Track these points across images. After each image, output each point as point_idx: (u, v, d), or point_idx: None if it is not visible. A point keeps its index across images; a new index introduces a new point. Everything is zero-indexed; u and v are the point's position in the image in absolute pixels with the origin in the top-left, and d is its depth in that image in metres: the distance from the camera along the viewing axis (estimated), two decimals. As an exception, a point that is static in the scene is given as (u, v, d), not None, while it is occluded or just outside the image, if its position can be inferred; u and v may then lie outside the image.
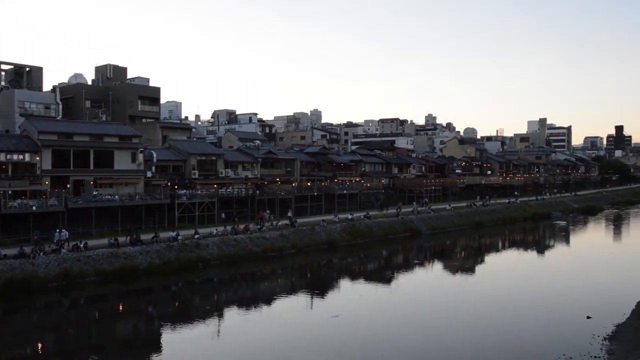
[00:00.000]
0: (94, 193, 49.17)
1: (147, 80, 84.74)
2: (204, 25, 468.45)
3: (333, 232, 55.92)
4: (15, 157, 47.18)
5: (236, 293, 40.53)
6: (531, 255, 59.08)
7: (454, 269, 49.99)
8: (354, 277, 45.96)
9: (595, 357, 23.46)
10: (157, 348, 27.56)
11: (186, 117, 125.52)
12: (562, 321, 30.55)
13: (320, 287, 41.63)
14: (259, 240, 48.96)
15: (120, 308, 36.07)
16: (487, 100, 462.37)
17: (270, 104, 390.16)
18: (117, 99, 74.71)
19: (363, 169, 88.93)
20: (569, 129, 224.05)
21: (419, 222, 67.02)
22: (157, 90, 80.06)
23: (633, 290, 35.22)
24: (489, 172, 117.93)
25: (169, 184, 56.25)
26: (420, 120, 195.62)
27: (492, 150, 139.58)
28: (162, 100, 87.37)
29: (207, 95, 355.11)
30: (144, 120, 74.58)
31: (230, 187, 61.77)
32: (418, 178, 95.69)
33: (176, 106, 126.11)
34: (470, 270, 50.06)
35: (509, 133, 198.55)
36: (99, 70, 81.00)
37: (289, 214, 58.98)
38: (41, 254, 37.53)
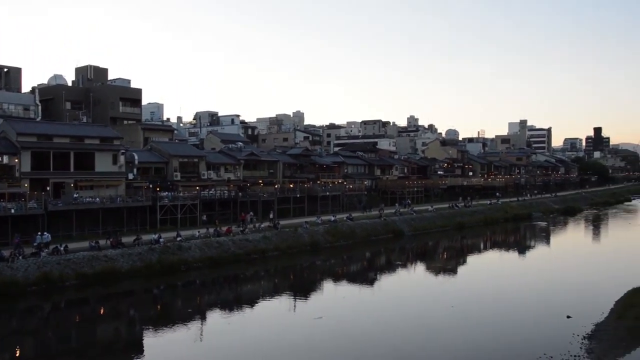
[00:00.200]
0: (75, 195, 48.64)
1: (129, 81, 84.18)
2: (185, 27, 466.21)
3: (316, 233, 55.93)
4: (-7, 159, 46.48)
5: (219, 295, 40.37)
6: (512, 255, 59.66)
7: (436, 269, 50.28)
8: (337, 278, 46.01)
9: (575, 356, 23.74)
10: (139, 351, 27.34)
11: (168, 119, 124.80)
12: (543, 321, 30.86)
13: (303, 288, 41.62)
14: (241, 243, 48.79)
15: (102, 311, 35.71)
16: (468, 102, 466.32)
17: (252, 105, 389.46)
18: (98, 101, 74.02)
19: (346, 170, 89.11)
20: (549, 130, 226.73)
21: (401, 224, 67.31)
22: (138, 91, 79.48)
23: (611, 289, 35.70)
24: (470, 173, 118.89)
25: (150, 186, 55.81)
26: (403, 122, 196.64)
27: (474, 152, 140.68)
28: (144, 101, 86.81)
29: (189, 97, 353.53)
30: (125, 122, 74.04)
31: (213, 189, 61.53)
32: (400, 179, 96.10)
33: (158, 108, 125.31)
34: (452, 271, 50.39)
35: (490, 134, 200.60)
36: (79, 71, 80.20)
37: (271, 216, 58.91)
38: (20, 257, 37.00)
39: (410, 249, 62.22)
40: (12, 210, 42.96)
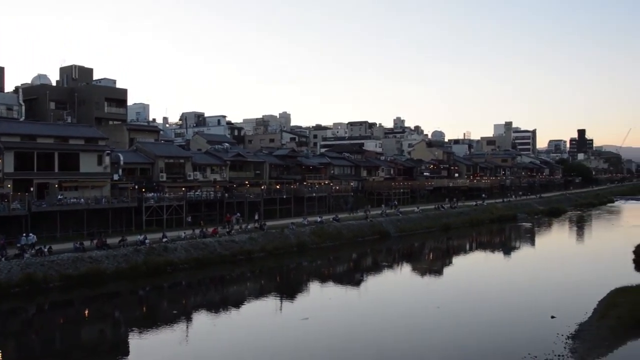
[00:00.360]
0: (59, 197, 48.21)
1: (114, 82, 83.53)
2: (172, 29, 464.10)
3: (302, 234, 55.91)
4: (-24, 159, 45.93)
5: (205, 297, 40.21)
6: (497, 256, 60.07)
7: (422, 270, 50.46)
8: (323, 279, 46.05)
9: (559, 355, 23.98)
10: (125, 353, 27.17)
11: (154, 120, 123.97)
12: (528, 321, 31.15)
13: (289, 290, 41.60)
14: (227, 244, 48.63)
15: (86, 313, 35.40)
16: (454, 104, 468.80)
17: (239, 106, 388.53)
18: (82, 101, 73.38)
19: (332, 171, 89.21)
20: (533, 132, 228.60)
21: (388, 225, 67.50)
22: (124, 92, 78.92)
23: (595, 289, 36.08)
24: (456, 174, 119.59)
25: (136, 187, 55.48)
26: (389, 124, 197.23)
27: (460, 153, 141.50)
28: (129, 102, 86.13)
29: (175, 97, 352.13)
30: (110, 123, 73.46)
31: (199, 190, 61.30)
32: (387, 181, 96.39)
33: (144, 108, 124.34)
34: (438, 271, 50.61)
35: (475, 136, 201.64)
36: (64, 71, 79.46)
37: (256, 217, 58.69)
38: (3, 259, 36.59)
39: (396, 250, 62.42)
40: (-5, 211, 42.51)
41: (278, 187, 71.76)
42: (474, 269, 52.66)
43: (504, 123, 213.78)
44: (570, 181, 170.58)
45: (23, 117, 63.01)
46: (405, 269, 52.34)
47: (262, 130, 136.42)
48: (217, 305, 36.72)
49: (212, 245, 47.36)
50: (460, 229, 76.68)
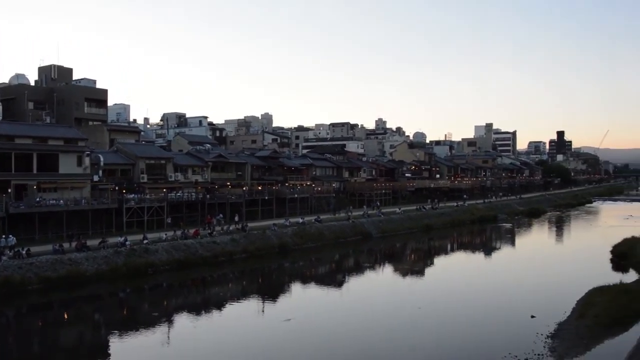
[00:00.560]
0: (38, 198, 47.58)
1: (94, 82, 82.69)
2: (153, 31, 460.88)
3: (284, 236, 55.86)
4: (-48, 160, 45.16)
5: (186, 298, 39.98)
6: (478, 257, 60.59)
7: (404, 271, 50.69)
8: (305, 280, 46.06)
9: (538, 354, 24.26)
10: (105, 356, 26.94)
11: (134, 120, 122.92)
12: (508, 321, 31.50)
13: (271, 291, 41.54)
14: (209, 245, 48.41)
15: (66, 316, 34.99)
16: (435, 105, 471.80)
17: (220, 107, 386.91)
18: (62, 101, 72.53)
19: (314, 172, 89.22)
20: (514, 133, 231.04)
21: (370, 226, 67.71)
22: (104, 92, 78.11)
23: (574, 289, 36.54)
24: (437, 175, 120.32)
25: (116, 188, 54.99)
26: (371, 125, 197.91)
27: (441, 155, 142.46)
28: (110, 102, 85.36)
29: (156, 98, 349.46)
30: (90, 123, 72.71)
31: (180, 191, 60.92)
32: (369, 182, 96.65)
33: (124, 109, 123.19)
34: (420, 272, 50.86)
35: (457, 137, 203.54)
36: (43, 70, 78.42)
37: (236, 219, 58.38)
38: (-20, 261, 36.02)
39: (378, 251, 62.64)
40: (-28, 213, 41.84)
41: (260, 188, 71.60)
42: (455, 269, 53.02)
43: (484, 124, 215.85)
44: (550, 182, 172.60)
45: (0, 118, 62.07)
46: (387, 270, 52.55)
47: (244, 131, 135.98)
48: (198, 307, 36.52)
49: (194, 247, 47.10)
50: (442, 230, 77.18)
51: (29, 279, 36.07)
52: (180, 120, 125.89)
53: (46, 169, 50.41)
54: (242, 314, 34.48)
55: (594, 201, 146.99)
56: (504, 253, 62.86)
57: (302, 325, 31.06)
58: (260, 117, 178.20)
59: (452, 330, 29.95)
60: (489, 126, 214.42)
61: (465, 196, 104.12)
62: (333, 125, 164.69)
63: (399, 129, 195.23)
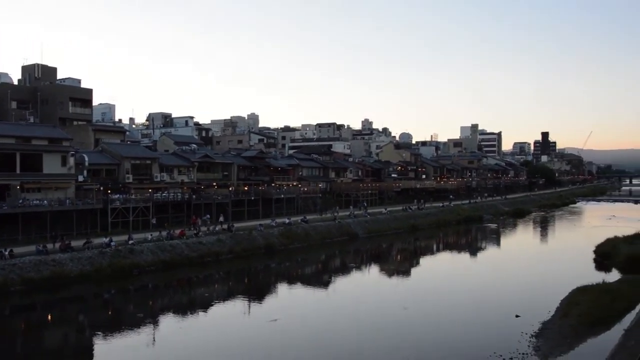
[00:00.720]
0: (21, 199, 47.08)
1: (79, 81, 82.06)
2: (139, 32, 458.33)
3: (271, 236, 55.79)
4: None
5: (172, 299, 39.77)
6: (463, 256, 60.94)
7: (390, 271, 50.88)
8: (291, 281, 46.04)
9: (523, 354, 24.47)
10: (89, 358, 26.71)
11: (120, 120, 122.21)
12: (493, 320, 31.74)
13: (258, 291, 41.50)
14: (195, 246, 48.22)
15: (49, 318, 34.66)
16: (422, 106, 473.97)
17: (206, 107, 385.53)
18: (46, 100, 71.81)
19: (300, 173, 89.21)
20: (499, 134, 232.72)
21: (356, 226, 67.84)
22: (89, 91, 77.47)
23: (558, 288, 36.85)
24: (423, 176, 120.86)
25: (101, 188, 54.56)
26: (357, 125, 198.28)
27: (427, 155, 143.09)
28: (95, 102, 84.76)
29: (142, 97, 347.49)
30: (75, 123, 72.09)
31: (166, 192, 60.58)
32: (355, 182, 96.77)
33: (109, 108, 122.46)
34: (405, 272, 51.09)
35: (442, 138, 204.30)
36: (26, 70, 77.59)
37: (221, 219, 58.16)
38: (-38, 262, 35.60)
39: (364, 251, 62.77)
40: (-46, 214, 41.32)
41: (246, 188, 71.44)
42: (440, 269, 53.31)
43: (470, 125, 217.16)
44: (535, 182, 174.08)
45: (-17, 117, 61.40)
46: (373, 270, 52.68)
47: (230, 131, 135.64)
48: (184, 308, 36.35)
49: (180, 247, 46.89)
50: (428, 230, 77.52)
51: (11, 280, 35.68)
52: (166, 120, 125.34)
53: (30, 169, 49.90)
54: (228, 315, 34.40)
55: (578, 201, 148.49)
56: (489, 253, 63.29)
57: (288, 326, 31.05)
58: (246, 118, 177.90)
59: (438, 330, 30.12)
60: (474, 127, 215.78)
61: (451, 197, 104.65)
62: (319, 125, 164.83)
63: (385, 130, 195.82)
